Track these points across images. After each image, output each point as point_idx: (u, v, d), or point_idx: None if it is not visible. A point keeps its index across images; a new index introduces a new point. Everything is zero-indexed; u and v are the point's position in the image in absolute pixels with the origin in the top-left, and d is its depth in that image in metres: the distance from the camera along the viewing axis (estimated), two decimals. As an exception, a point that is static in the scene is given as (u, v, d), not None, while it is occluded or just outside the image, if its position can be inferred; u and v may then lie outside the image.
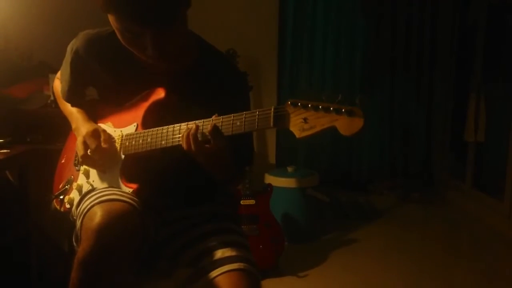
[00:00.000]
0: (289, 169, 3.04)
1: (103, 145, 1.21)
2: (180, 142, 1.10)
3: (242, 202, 2.51)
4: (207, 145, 1.08)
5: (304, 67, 4.06)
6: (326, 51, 4.06)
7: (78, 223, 1.12)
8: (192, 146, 1.08)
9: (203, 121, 1.09)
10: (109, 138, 1.24)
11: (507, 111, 3.52)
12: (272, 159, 3.69)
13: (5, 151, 1.81)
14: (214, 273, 1.11)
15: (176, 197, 1.32)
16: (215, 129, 1.05)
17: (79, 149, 1.22)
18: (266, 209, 2.55)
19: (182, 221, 1.29)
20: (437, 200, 3.96)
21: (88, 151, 1.21)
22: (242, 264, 1.13)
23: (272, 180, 2.93)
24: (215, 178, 1.23)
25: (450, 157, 4.21)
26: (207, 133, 1.06)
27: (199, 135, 1.08)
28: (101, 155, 1.21)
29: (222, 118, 1.05)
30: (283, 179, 2.95)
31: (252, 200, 2.53)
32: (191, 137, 1.08)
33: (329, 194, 3.70)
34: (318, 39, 4.04)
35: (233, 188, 2.39)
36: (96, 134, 1.23)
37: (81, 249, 1.02)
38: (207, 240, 1.21)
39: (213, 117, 1.08)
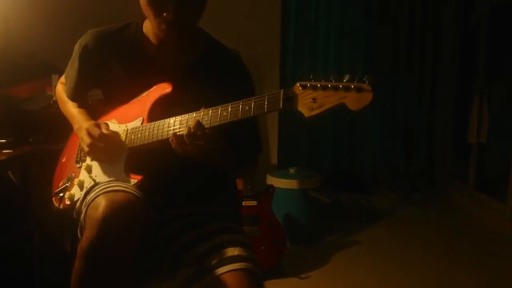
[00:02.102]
0: (291, 170, 3.03)
1: (106, 131, 1.22)
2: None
3: (244, 203, 2.50)
4: (200, 142, 1.09)
5: (306, 67, 4.05)
6: (328, 51, 4.05)
7: (83, 213, 1.12)
8: (188, 149, 1.10)
9: (195, 114, 1.10)
10: (111, 128, 1.25)
11: (510, 112, 3.52)
12: (274, 160, 3.68)
13: (7, 151, 1.80)
14: (217, 272, 1.11)
15: (178, 194, 1.32)
16: (198, 125, 1.07)
17: (84, 139, 1.23)
18: (268, 210, 2.55)
19: (183, 220, 1.30)
20: (439, 201, 3.95)
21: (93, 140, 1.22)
22: (245, 263, 1.13)
23: (274, 181, 2.92)
24: (222, 170, 1.23)
25: (452, 158, 4.20)
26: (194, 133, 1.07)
27: (186, 139, 1.09)
28: (106, 142, 1.22)
29: (231, 105, 1.06)
30: (285, 180, 2.95)
31: (254, 201, 2.53)
32: (183, 143, 1.09)
33: (331, 195, 3.70)
34: (321, 40, 4.04)
35: (247, 176, 2.39)
36: (97, 125, 1.24)
37: (85, 237, 1.02)
38: (209, 239, 1.21)
39: (201, 109, 1.10)
